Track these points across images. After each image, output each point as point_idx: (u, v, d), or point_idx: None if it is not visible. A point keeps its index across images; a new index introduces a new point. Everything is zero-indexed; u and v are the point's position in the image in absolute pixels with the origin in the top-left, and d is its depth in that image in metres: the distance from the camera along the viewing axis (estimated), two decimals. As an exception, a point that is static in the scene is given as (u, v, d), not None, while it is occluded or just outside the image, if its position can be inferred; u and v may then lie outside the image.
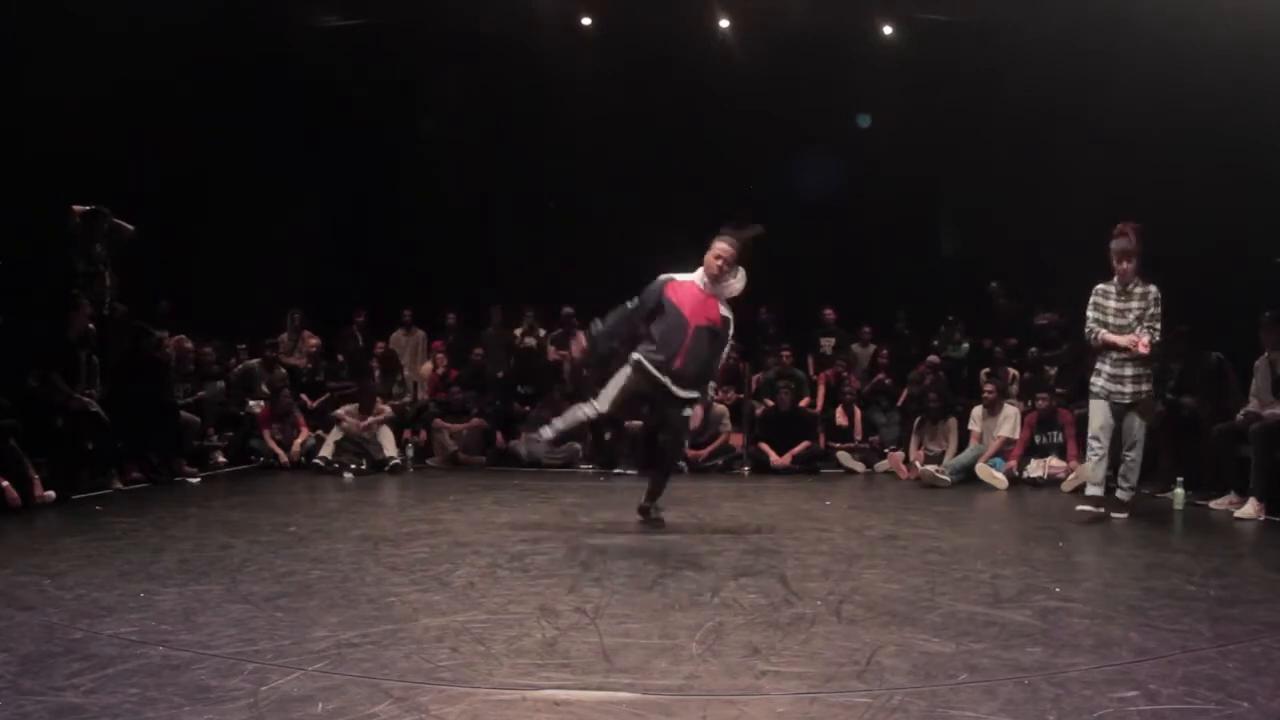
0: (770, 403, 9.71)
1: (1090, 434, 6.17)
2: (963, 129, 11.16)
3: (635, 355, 5.32)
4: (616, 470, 9.15)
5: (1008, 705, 2.64)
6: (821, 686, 2.81)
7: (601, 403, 5.37)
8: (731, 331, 5.40)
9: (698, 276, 5.34)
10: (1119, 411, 6.08)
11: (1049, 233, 10.67)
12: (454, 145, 12.08)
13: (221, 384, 9.88)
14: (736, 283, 5.35)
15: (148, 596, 3.83)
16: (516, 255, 12.09)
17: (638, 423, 9.40)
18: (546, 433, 5.50)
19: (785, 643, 3.23)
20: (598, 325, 5.49)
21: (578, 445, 9.61)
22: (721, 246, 5.26)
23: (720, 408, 9.57)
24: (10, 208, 8.07)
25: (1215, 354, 7.66)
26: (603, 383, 5.51)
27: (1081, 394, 9.21)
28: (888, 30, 11.56)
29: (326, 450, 9.01)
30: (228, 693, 2.70)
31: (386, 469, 8.93)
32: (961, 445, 8.87)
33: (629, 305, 5.45)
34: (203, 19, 9.69)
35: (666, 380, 5.23)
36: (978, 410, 8.91)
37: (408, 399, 10.29)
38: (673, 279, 5.39)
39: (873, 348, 10.99)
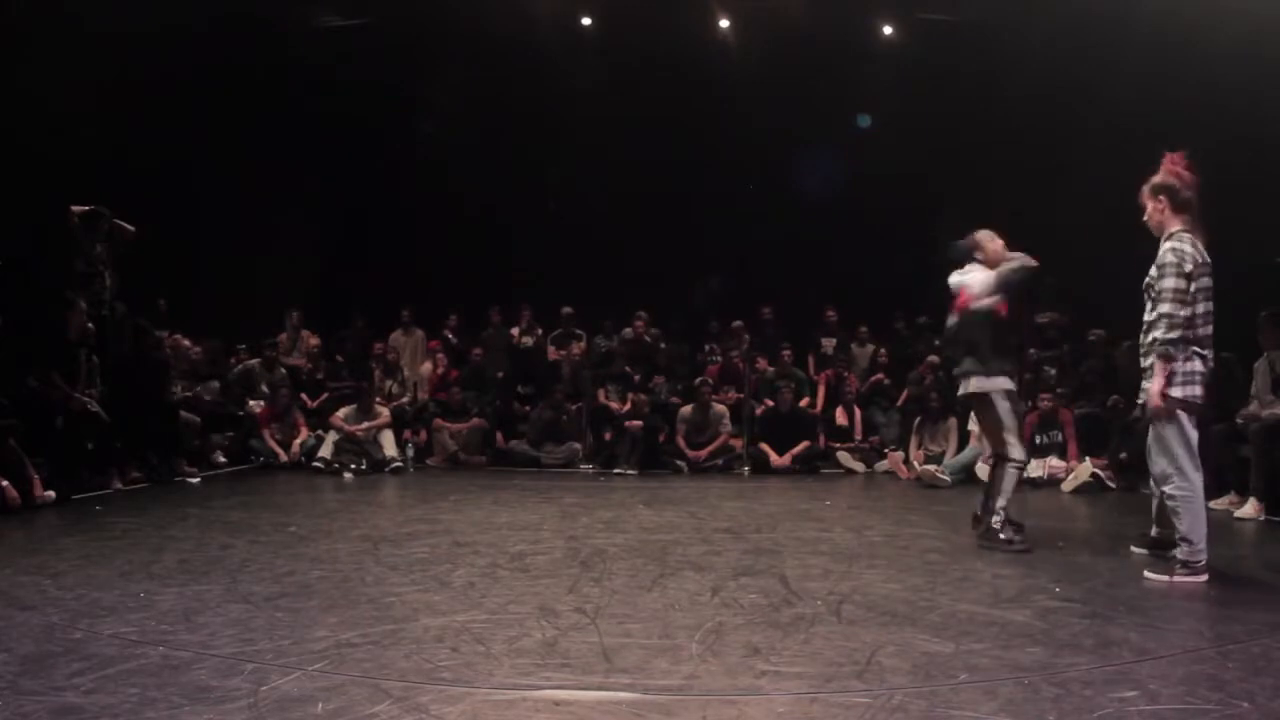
0: (770, 403, 9.71)
1: None
2: (963, 129, 11.16)
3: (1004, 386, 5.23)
4: (616, 470, 9.15)
5: (1008, 705, 2.64)
6: (821, 686, 2.81)
7: (1016, 449, 5.20)
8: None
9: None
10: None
11: (1049, 232, 10.66)
12: (454, 145, 12.08)
13: (217, 384, 9.87)
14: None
15: (148, 596, 3.83)
16: (516, 255, 12.10)
17: (638, 423, 9.42)
18: (998, 522, 5.09)
19: (785, 643, 3.23)
20: None
21: (577, 445, 9.63)
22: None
23: (720, 408, 9.58)
24: (10, 208, 8.07)
25: (1224, 354, 7.64)
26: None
27: (1082, 394, 9.26)
28: (888, 30, 11.57)
29: (326, 450, 9.02)
30: (228, 693, 2.70)
31: (387, 469, 8.93)
32: (961, 445, 8.85)
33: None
34: (203, 20, 9.69)
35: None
36: (977, 410, 8.91)
37: (407, 399, 10.30)
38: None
39: (871, 348, 11.00)
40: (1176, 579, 4.24)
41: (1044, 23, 10.04)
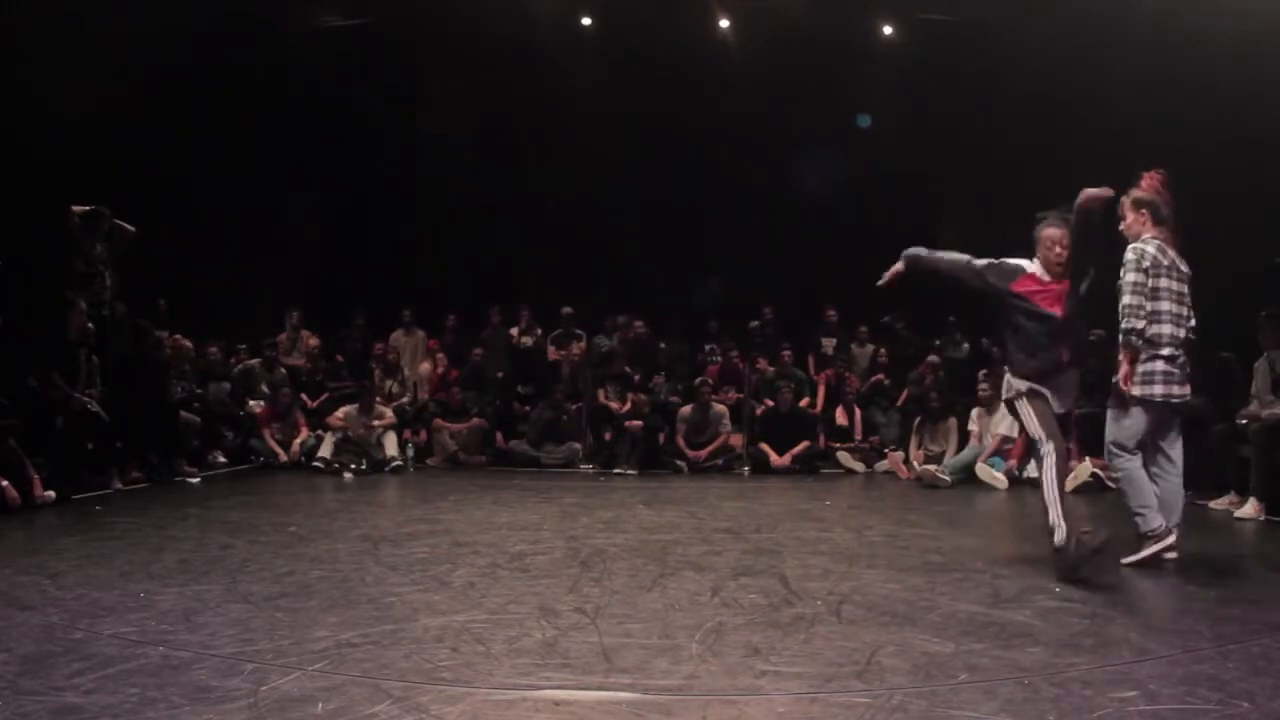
0: (770, 403, 9.71)
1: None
2: (963, 129, 11.16)
3: (1021, 385, 4.56)
4: (616, 470, 9.15)
5: (1008, 705, 2.64)
6: (821, 686, 2.81)
7: (1046, 446, 4.44)
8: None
9: (1038, 269, 4.58)
10: None
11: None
12: (453, 145, 12.09)
13: (226, 385, 9.89)
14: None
15: (148, 596, 3.83)
16: (516, 255, 12.09)
17: (638, 423, 9.42)
18: (1060, 538, 4.29)
19: (785, 643, 3.23)
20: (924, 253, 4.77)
21: (577, 445, 9.63)
22: (1057, 233, 4.52)
23: (720, 408, 9.58)
24: (10, 208, 8.06)
25: (1225, 354, 7.63)
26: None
27: (1082, 394, 9.23)
28: (888, 30, 11.57)
29: (326, 450, 9.02)
30: (228, 693, 2.69)
31: (387, 469, 8.93)
32: (961, 445, 8.86)
33: (974, 264, 4.64)
34: (203, 20, 9.69)
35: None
36: (976, 410, 8.92)
37: (407, 399, 10.30)
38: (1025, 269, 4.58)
39: (871, 348, 11.00)
40: (1145, 552, 4.43)
41: (1044, 23, 10.03)
